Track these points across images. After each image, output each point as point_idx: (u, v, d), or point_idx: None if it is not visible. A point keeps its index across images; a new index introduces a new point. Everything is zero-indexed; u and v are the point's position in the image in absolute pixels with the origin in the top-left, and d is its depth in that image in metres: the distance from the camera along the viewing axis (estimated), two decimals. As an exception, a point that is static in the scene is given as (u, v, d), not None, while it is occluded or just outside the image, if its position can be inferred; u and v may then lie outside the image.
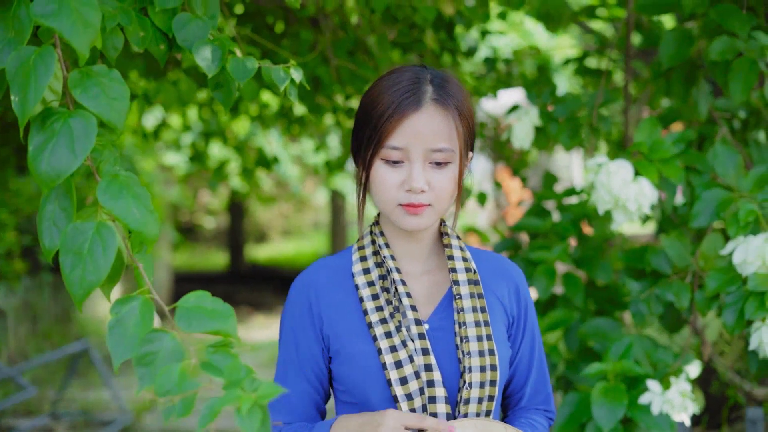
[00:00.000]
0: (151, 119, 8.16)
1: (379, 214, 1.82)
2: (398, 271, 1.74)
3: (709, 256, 2.46)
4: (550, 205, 3.25)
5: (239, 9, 3.76)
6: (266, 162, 5.08)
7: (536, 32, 6.97)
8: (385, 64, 3.14)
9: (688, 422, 2.54)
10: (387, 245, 1.78)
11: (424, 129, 1.67)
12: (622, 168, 2.47)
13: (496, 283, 1.83)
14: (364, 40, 3.18)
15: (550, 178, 3.35)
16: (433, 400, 1.67)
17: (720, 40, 2.57)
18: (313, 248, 19.83)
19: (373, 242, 1.80)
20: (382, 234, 1.80)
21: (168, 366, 1.18)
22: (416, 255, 1.80)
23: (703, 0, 2.63)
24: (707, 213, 2.48)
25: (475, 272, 1.79)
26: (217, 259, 20.26)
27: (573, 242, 3.13)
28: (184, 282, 15.13)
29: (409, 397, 1.66)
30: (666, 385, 2.48)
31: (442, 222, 1.84)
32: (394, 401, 1.67)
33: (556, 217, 3.16)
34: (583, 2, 4.27)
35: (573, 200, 3.23)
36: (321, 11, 3.25)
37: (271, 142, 10.00)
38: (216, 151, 7.42)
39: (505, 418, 1.91)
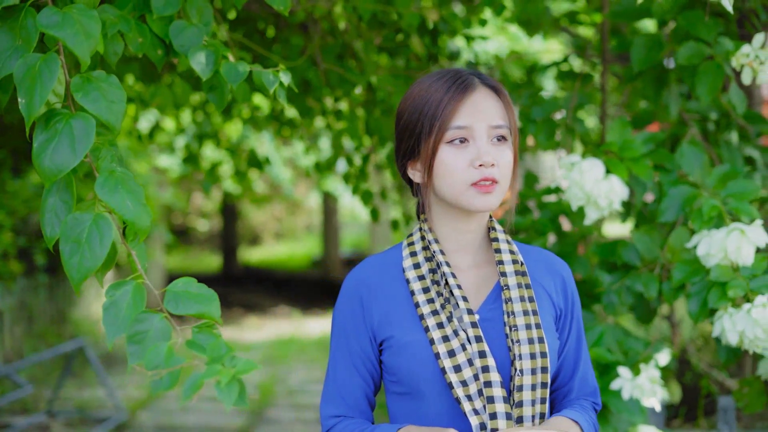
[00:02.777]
0: (144, 122, 8.28)
1: (423, 212, 1.87)
2: (448, 264, 1.79)
3: (676, 249, 2.60)
4: (531, 203, 3.38)
5: (232, 14, 3.90)
6: (258, 162, 5.19)
7: (524, 37, 7.10)
8: (372, 67, 3.28)
9: (658, 407, 2.68)
10: (436, 240, 1.82)
11: (483, 107, 1.76)
12: (594, 166, 2.61)
13: (544, 276, 1.89)
14: (352, 44, 3.31)
15: (531, 178, 3.48)
16: (488, 384, 1.70)
17: (687, 45, 2.71)
18: (306, 250, 19.95)
19: (423, 238, 1.85)
20: (431, 230, 1.84)
21: (157, 344, 1.31)
22: (466, 249, 1.85)
23: (672, 7, 2.77)
24: (674, 208, 2.62)
25: (522, 264, 1.84)
26: (211, 261, 20.35)
27: (552, 238, 3.27)
28: (178, 284, 15.20)
29: (464, 383, 1.70)
30: (636, 372, 2.62)
31: (490, 217, 1.89)
32: (449, 388, 1.72)
33: (537, 214, 3.29)
34: (563, 8, 4.41)
35: (553, 198, 3.36)
36: (310, 17, 3.38)
37: (263, 144, 10.12)
38: (209, 153, 7.54)
39: (553, 411, 1.94)
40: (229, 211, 18.21)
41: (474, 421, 1.69)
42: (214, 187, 11.51)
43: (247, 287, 16.05)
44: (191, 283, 1.41)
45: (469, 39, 3.64)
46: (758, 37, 2.65)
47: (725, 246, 2.42)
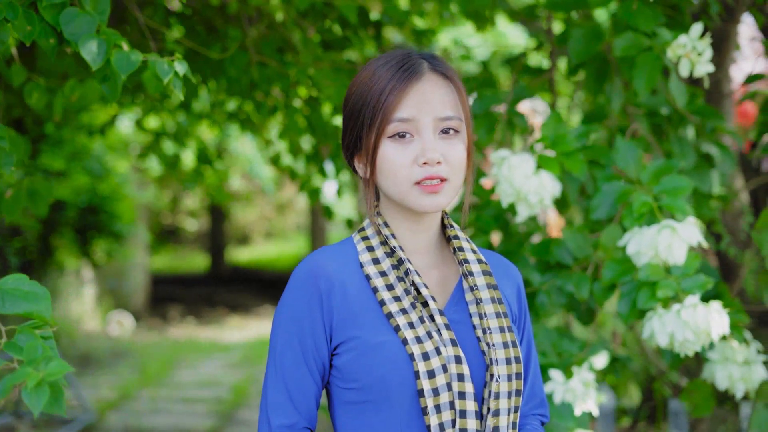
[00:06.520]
0: (126, 121, 8.22)
1: (377, 206, 1.72)
2: (410, 262, 1.66)
3: (608, 248, 2.50)
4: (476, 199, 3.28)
5: (179, 7, 3.80)
6: (207, 158, 5.08)
7: (509, 34, 7.00)
8: (310, 61, 3.17)
9: (596, 411, 2.58)
10: (394, 236, 1.68)
11: (430, 96, 1.62)
12: (524, 161, 2.51)
13: (501, 281, 1.77)
14: (290, 38, 3.21)
15: (478, 174, 3.38)
16: (462, 396, 1.58)
17: (624, 36, 2.61)
18: (295, 250, 19.87)
19: (379, 232, 1.70)
20: (387, 225, 1.70)
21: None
22: (423, 248, 1.72)
23: (609, -3, 2.67)
24: (606, 205, 2.52)
25: (486, 263, 1.72)
26: (199, 261, 20.28)
27: (496, 237, 3.16)
28: (162, 284, 15.17)
29: (435, 392, 1.57)
30: (569, 375, 2.52)
31: (445, 214, 1.76)
32: (418, 396, 1.57)
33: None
34: (523, 2, 4.32)
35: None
36: (250, 8, 3.28)
37: (244, 143, 10.03)
38: (180, 152, 7.45)
39: None
40: (216, 210, 18.12)
41: None
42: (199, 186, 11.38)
43: (233, 287, 15.99)
44: (23, 281, 1.32)
45: (419, 33, 3.55)
46: (695, 27, 2.55)
47: (656, 244, 2.33)
